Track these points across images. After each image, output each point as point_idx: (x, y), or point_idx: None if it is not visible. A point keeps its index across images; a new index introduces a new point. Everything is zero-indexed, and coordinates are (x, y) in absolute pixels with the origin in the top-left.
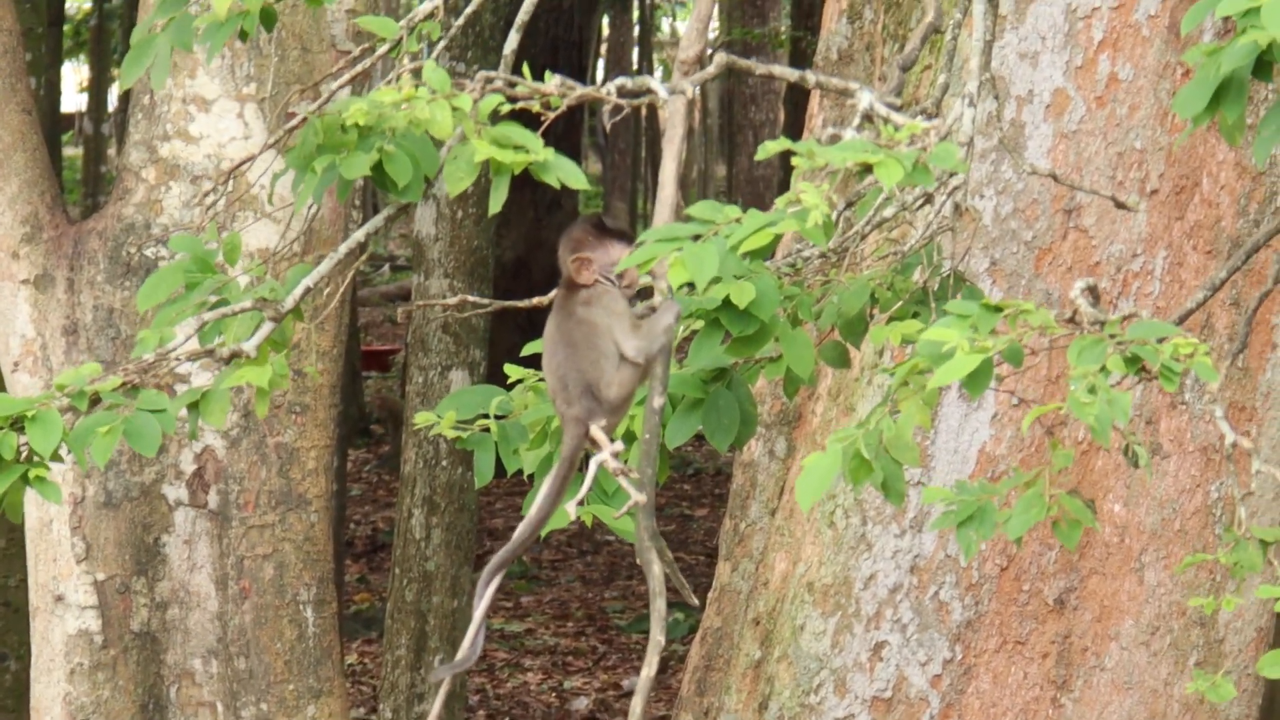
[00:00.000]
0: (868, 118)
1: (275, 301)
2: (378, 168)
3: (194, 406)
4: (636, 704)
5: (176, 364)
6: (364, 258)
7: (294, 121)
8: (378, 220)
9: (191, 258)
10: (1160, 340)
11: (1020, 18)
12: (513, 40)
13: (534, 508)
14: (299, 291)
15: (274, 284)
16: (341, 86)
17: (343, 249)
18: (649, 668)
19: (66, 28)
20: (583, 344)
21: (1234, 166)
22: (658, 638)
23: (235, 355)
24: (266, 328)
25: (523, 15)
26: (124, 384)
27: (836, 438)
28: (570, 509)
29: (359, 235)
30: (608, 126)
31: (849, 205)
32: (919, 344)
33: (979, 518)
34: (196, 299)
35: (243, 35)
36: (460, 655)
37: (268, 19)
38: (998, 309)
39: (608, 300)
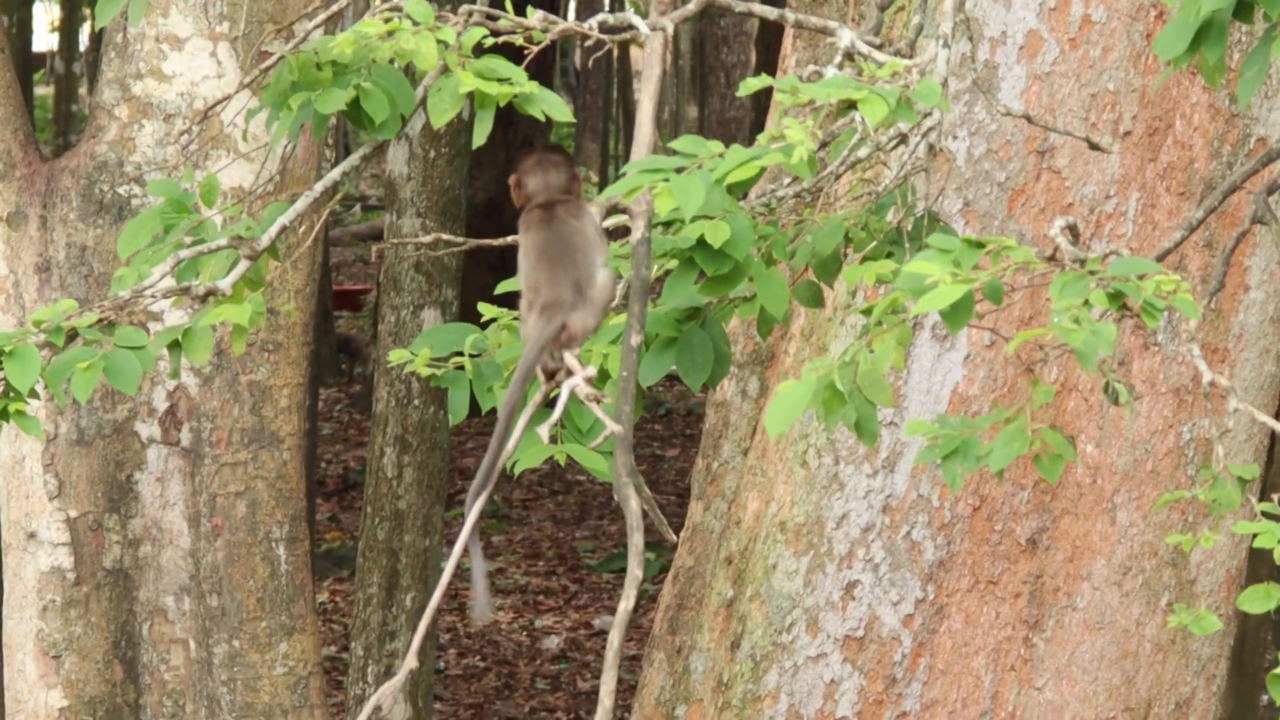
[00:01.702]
0: (849, 56)
1: (251, 240)
2: (354, 104)
3: (175, 345)
4: (614, 637)
5: (152, 301)
6: (337, 198)
7: (269, 61)
8: (353, 159)
9: (168, 200)
10: (1141, 277)
11: None
12: None
13: (502, 408)
14: (274, 230)
15: (250, 222)
16: (317, 26)
17: (318, 187)
18: (627, 600)
19: None
20: (580, 246)
21: (1207, 109)
22: (635, 572)
23: (211, 293)
24: (242, 265)
25: None
26: (100, 320)
27: (811, 367)
28: (543, 433)
29: (334, 174)
30: (578, 65)
31: (823, 145)
32: (901, 277)
33: (962, 451)
34: (173, 239)
35: None
36: (478, 609)
37: None
38: (980, 245)
39: (591, 215)
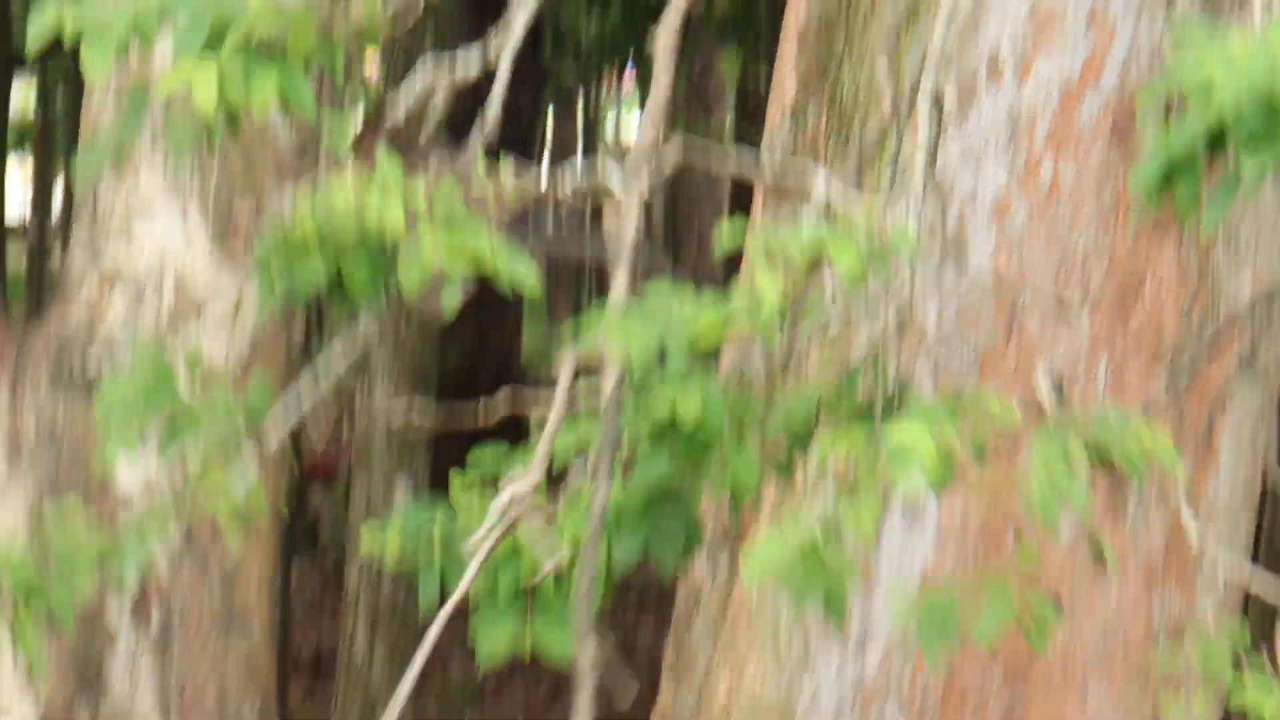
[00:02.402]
0: (821, 208)
1: (254, 428)
2: (335, 283)
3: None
4: None
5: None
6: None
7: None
8: (338, 358)
9: (155, 375)
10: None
11: (963, 120)
12: (476, 140)
13: None
14: (284, 433)
15: (231, 408)
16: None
17: (321, 369)
18: None
19: (10, 127)
20: None
21: (1177, 272)
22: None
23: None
24: (248, 453)
25: (492, 114)
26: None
27: (790, 528)
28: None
29: (335, 356)
30: (549, 226)
31: (795, 320)
32: (885, 446)
33: (940, 620)
34: (157, 412)
35: (211, 144)
36: None
37: (235, 123)
38: (958, 405)
39: None
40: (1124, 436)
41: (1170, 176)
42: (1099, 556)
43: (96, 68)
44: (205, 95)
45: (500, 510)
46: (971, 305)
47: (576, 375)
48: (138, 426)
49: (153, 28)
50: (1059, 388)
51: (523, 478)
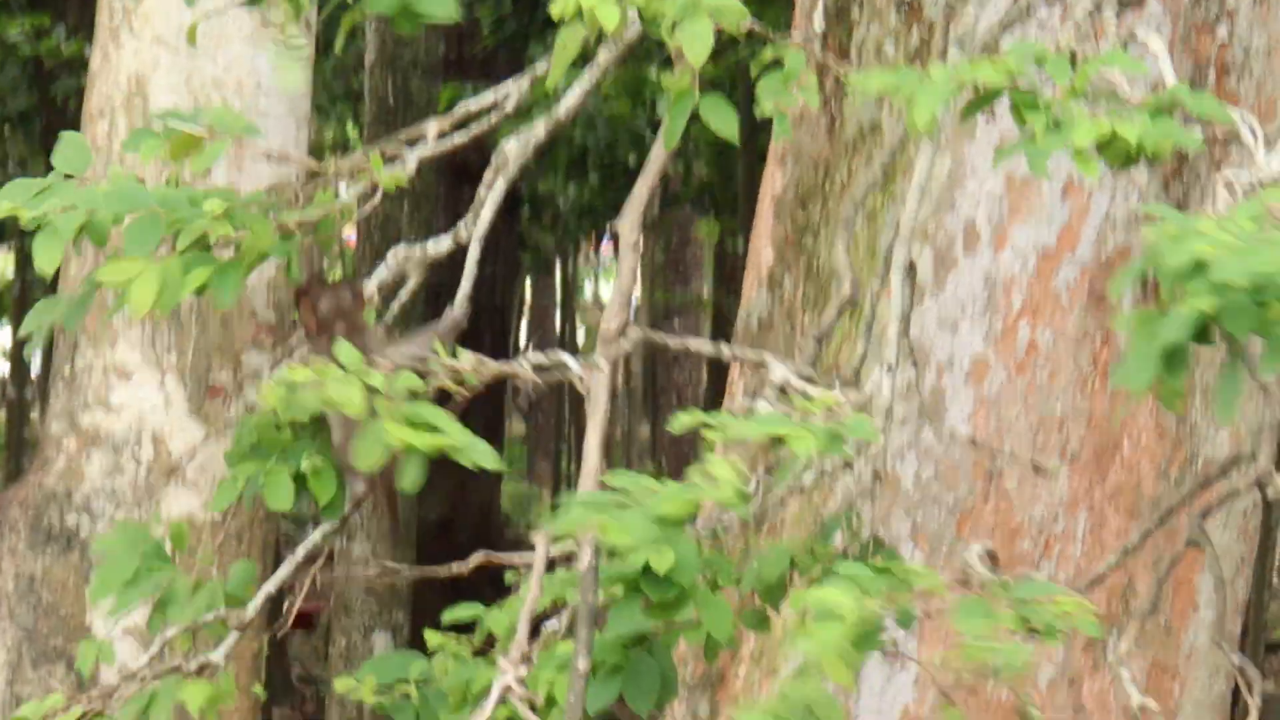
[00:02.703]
0: (783, 389)
1: (239, 611)
2: (302, 477)
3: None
4: None
5: (142, 685)
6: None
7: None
8: (315, 537)
9: (146, 550)
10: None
11: (940, 286)
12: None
13: None
14: (259, 601)
15: (216, 586)
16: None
17: (299, 552)
18: None
19: None
20: None
21: (1154, 430)
22: None
23: (204, 666)
24: (232, 638)
25: (460, 299)
26: (85, 714)
27: (764, 712)
28: None
29: (311, 541)
30: (526, 401)
31: (769, 471)
32: (812, 602)
33: None
34: (145, 591)
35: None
36: None
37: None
38: (886, 571)
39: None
40: (1045, 606)
41: (1161, 368)
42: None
43: (46, 261)
44: (142, 298)
45: (497, 697)
46: (950, 464)
47: (551, 561)
48: (126, 602)
49: (106, 230)
50: (992, 560)
51: (512, 663)
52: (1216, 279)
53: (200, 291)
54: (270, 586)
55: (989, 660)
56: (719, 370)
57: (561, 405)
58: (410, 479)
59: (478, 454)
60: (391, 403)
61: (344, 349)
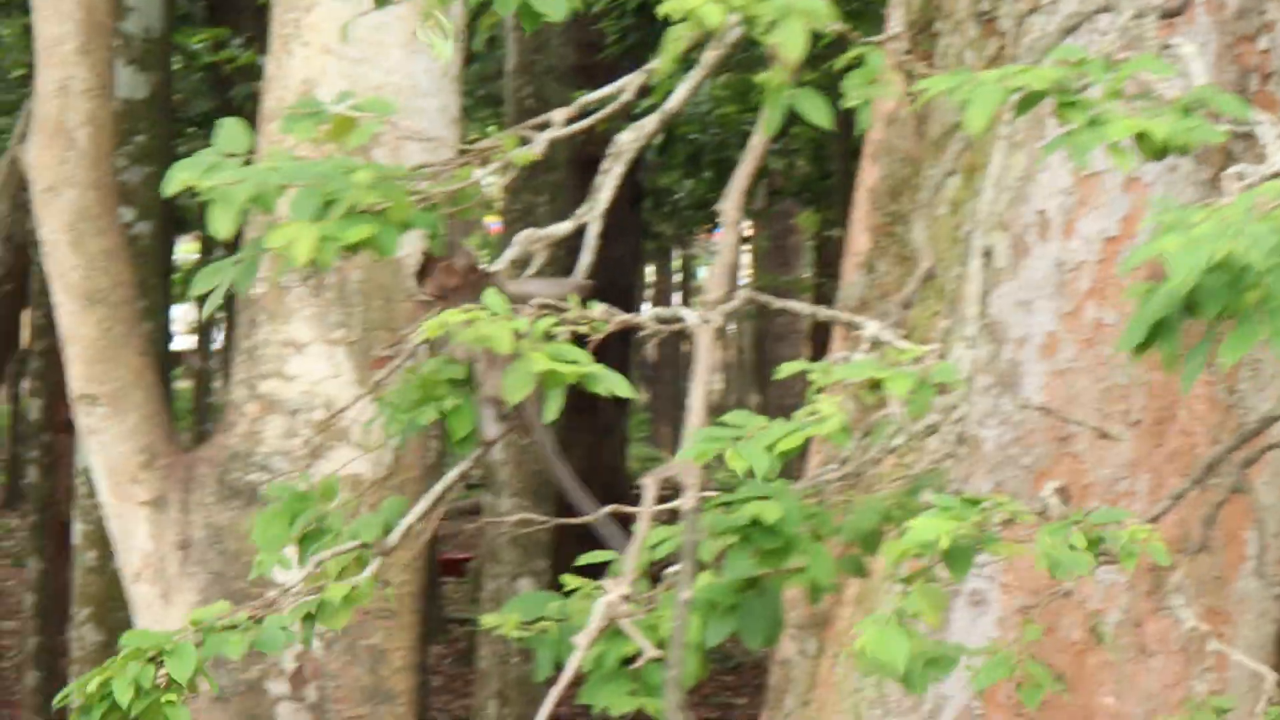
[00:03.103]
0: (876, 344)
1: (381, 540)
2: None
3: (308, 617)
4: None
5: (296, 598)
6: (448, 493)
7: (385, 372)
8: (462, 466)
9: (290, 499)
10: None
11: (1016, 270)
12: (562, 285)
13: None
14: (400, 531)
15: (369, 519)
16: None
17: (437, 489)
18: None
19: (176, 276)
20: None
21: (1207, 401)
22: None
23: (353, 588)
24: (375, 563)
25: (584, 263)
26: (249, 617)
27: (874, 619)
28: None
29: (447, 480)
30: (648, 355)
31: (865, 434)
32: (908, 532)
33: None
34: (299, 527)
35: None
36: None
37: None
38: (976, 502)
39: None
40: (1118, 532)
41: (1152, 337)
42: (1100, 638)
43: (221, 228)
44: (302, 251)
45: (601, 613)
46: (1026, 429)
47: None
48: (283, 542)
49: (273, 200)
50: (1064, 496)
51: (617, 585)
52: (1174, 269)
53: (355, 249)
54: (411, 518)
55: (1067, 572)
56: (821, 346)
57: (681, 374)
58: (553, 409)
59: (612, 383)
60: (534, 341)
61: (492, 296)
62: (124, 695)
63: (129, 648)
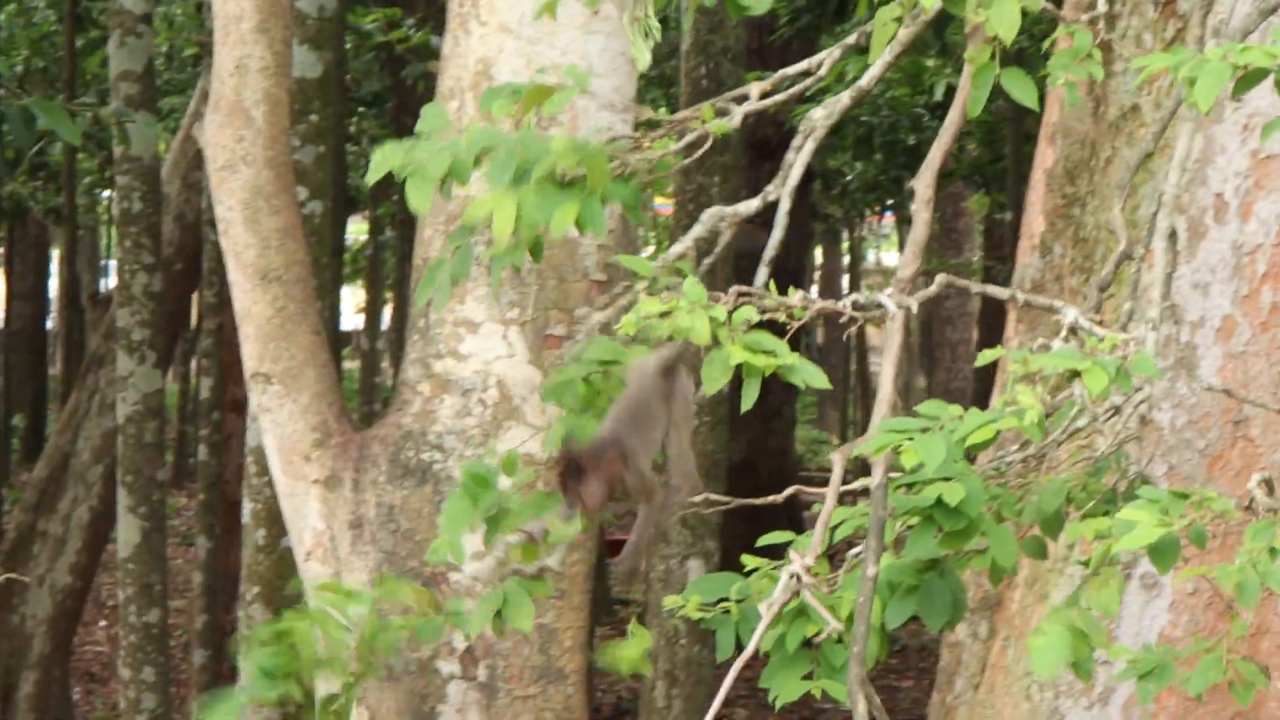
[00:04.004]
0: (1072, 331)
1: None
2: None
3: (497, 615)
4: None
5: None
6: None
7: (562, 365)
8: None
9: (472, 477)
10: None
11: (1193, 253)
12: (762, 274)
13: None
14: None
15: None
16: (598, 314)
17: None
18: None
19: (345, 257)
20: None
21: None
22: None
23: (543, 569)
24: (564, 547)
25: (769, 252)
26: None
27: (1055, 619)
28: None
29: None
30: (816, 354)
31: (1046, 416)
32: (1115, 523)
33: (1157, 673)
34: (482, 511)
35: (515, 268)
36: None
37: (536, 250)
38: (1184, 496)
39: None
40: None
41: None
42: None
43: (418, 202)
44: (503, 223)
45: (785, 584)
46: (1201, 412)
47: (855, 494)
48: (467, 526)
49: (468, 170)
50: (1270, 489)
51: (803, 557)
52: None
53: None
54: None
55: (1258, 578)
56: (989, 328)
57: (848, 358)
58: (749, 398)
59: (808, 374)
60: (732, 331)
61: (690, 285)
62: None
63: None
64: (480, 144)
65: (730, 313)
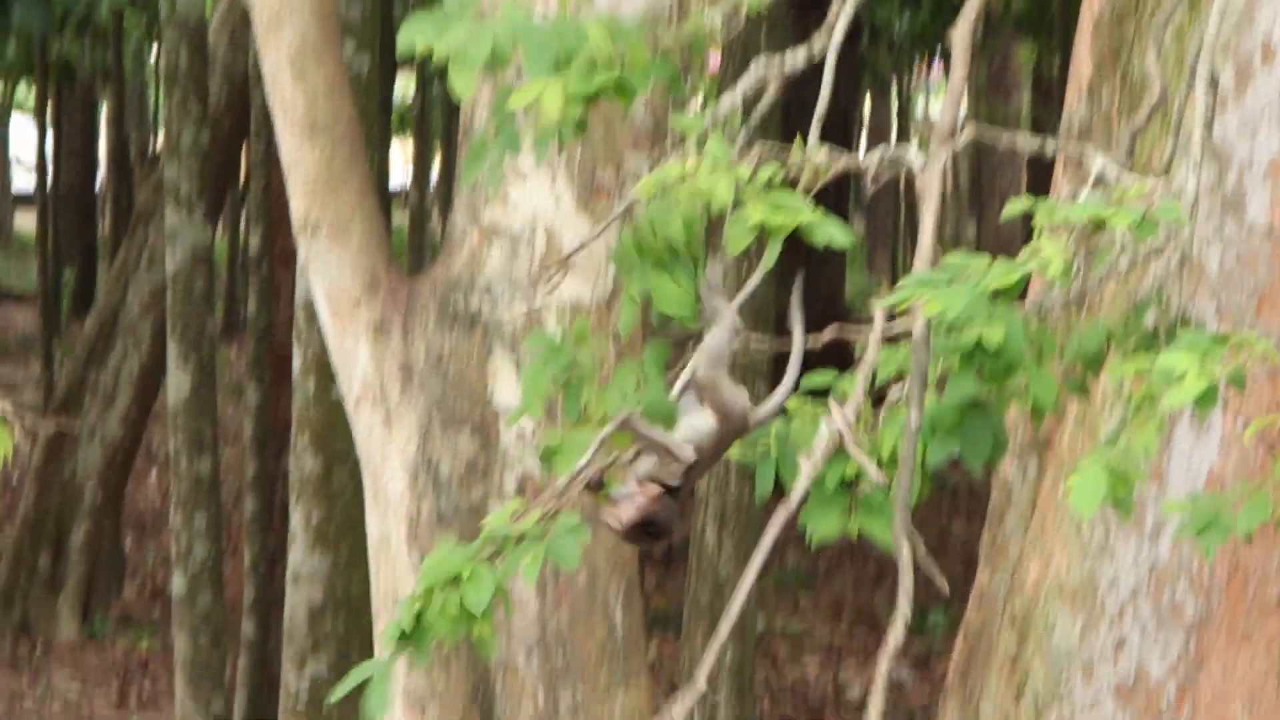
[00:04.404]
0: (1100, 179)
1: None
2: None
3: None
4: (883, 664)
5: (578, 488)
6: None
7: (613, 213)
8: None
9: (548, 347)
10: None
11: (1240, 96)
12: (814, 134)
13: None
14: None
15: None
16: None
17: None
18: (894, 634)
19: (394, 111)
20: None
21: None
22: (905, 610)
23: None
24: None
25: (821, 106)
26: (543, 515)
27: (1094, 459)
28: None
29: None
30: (868, 192)
31: (1088, 257)
32: (1154, 370)
33: (1214, 525)
34: (555, 378)
35: (561, 144)
36: None
37: (580, 127)
38: (1224, 339)
39: None
40: None
41: None
42: None
43: (463, 89)
44: (550, 107)
45: (827, 435)
46: (1250, 252)
47: (897, 337)
48: (546, 394)
49: (508, 54)
50: None
51: (845, 407)
52: None
53: (594, 98)
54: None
55: None
56: (1038, 175)
57: (897, 208)
58: (771, 257)
59: (830, 232)
60: (755, 189)
61: (714, 143)
62: (441, 629)
63: (428, 578)
64: (514, 31)
65: (753, 172)
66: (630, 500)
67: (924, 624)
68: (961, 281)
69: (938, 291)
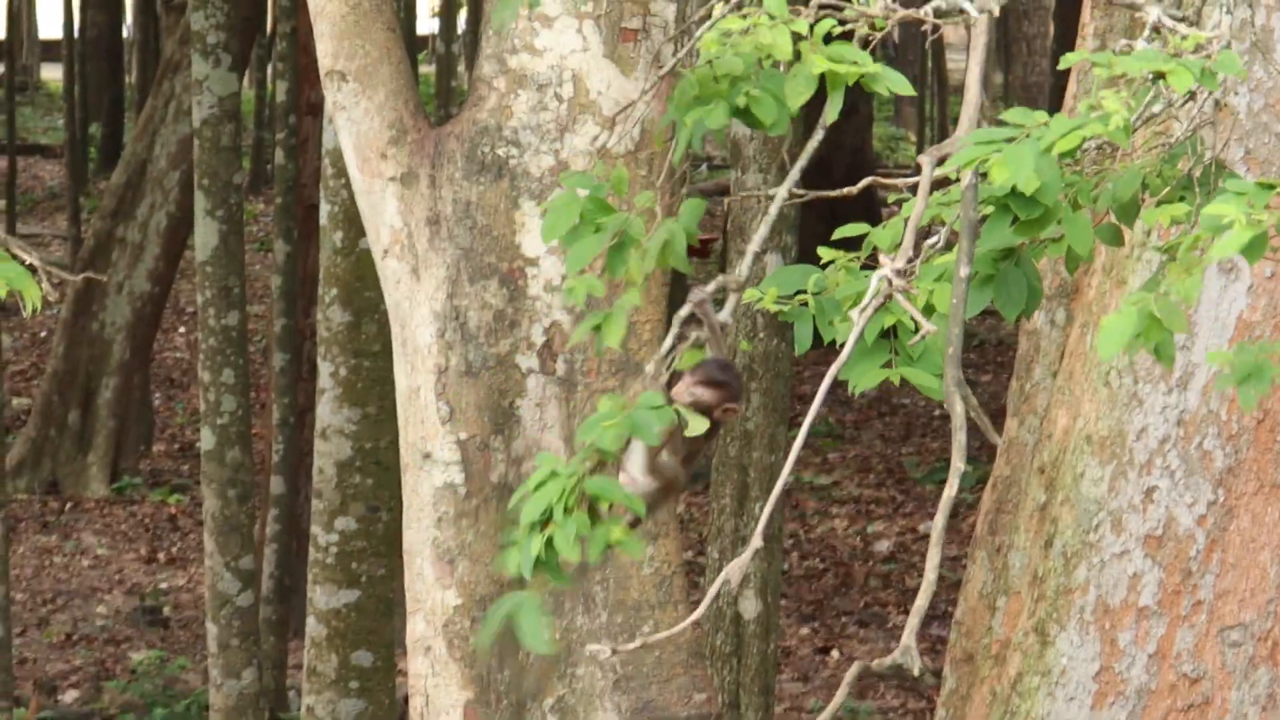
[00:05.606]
0: (1155, 29)
1: (734, 278)
2: (744, 111)
3: (596, 328)
4: (939, 520)
5: (665, 372)
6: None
7: (665, 70)
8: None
9: (595, 202)
10: None
11: None
12: None
13: None
14: (748, 262)
15: (672, 224)
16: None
17: (782, 191)
18: (950, 488)
19: None
20: None
21: None
22: (958, 464)
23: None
24: (733, 300)
25: None
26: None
27: (1131, 301)
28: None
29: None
30: (892, 50)
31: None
32: (1202, 217)
33: (1256, 375)
34: (606, 240)
35: None
36: None
37: None
38: (1271, 187)
39: None
40: None
41: None
42: None
43: None
44: None
45: (875, 287)
46: (1277, 96)
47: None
48: (593, 254)
49: None
50: None
51: (893, 260)
52: None
53: None
54: (756, 245)
55: None
56: (1065, 23)
57: (924, 55)
58: (833, 111)
59: (892, 81)
60: (813, 44)
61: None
62: (567, 547)
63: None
64: None
65: (812, 26)
66: (685, 387)
67: None
68: (1023, 141)
69: (1004, 152)
